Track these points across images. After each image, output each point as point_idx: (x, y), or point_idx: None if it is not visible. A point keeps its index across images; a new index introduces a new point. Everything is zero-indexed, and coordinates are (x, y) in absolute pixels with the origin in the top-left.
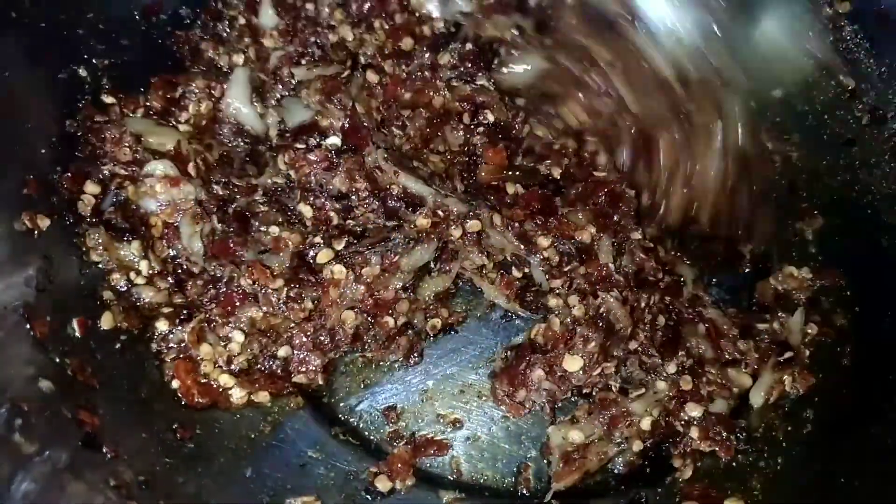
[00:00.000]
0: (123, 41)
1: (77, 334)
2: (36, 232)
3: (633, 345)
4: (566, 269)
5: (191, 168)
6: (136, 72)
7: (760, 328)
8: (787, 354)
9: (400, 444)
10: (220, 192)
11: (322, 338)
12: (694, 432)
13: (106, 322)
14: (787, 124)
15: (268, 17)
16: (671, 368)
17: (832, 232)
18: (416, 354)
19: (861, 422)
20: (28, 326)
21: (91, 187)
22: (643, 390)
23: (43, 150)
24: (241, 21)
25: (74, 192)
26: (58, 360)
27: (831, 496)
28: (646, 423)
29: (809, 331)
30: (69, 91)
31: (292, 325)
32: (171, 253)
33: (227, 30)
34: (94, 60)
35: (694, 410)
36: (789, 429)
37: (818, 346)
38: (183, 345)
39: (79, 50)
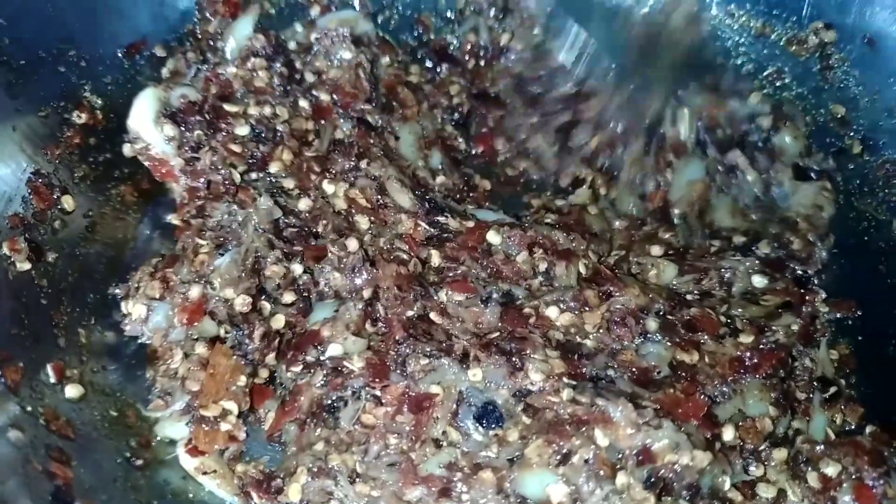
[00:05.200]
0: (106, 79)
1: (52, 381)
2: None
3: None
4: None
5: None
6: (119, 111)
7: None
8: (832, 390)
9: None
10: None
11: None
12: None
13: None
14: None
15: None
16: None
17: (830, 261)
18: None
19: None
20: None
21: None
22: None
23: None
24: None
25: None
26: (30, 408)
27: None
28: None
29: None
30: (50, 131)
31: None
32: None
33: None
34: (76, 99)
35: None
36: None
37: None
38: None
39: (60, 88)
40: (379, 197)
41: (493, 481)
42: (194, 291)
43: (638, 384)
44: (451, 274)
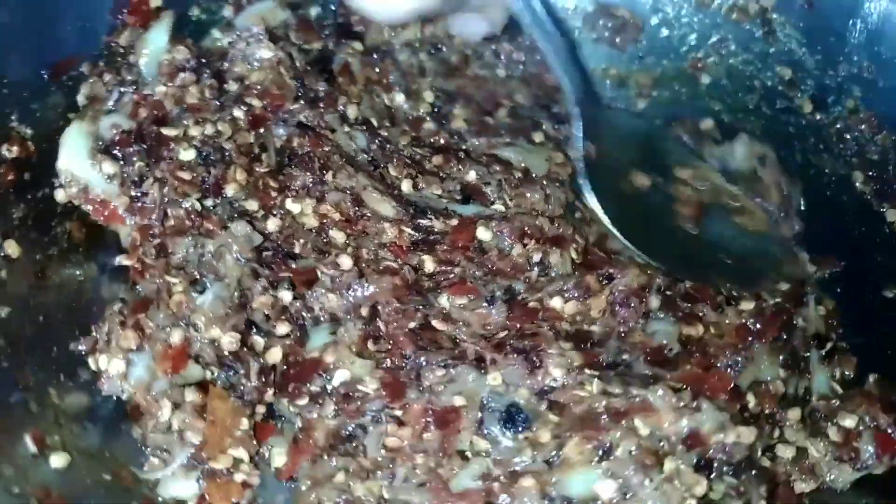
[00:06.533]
0: (33, 105)
1: (33, 452)
2: None
3: None
4: None
5: None
6: (53, 140)
7: None
8: (829, 346)
9: None
10: None
11: None
12: None
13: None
14: None
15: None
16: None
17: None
18: None
19: None
20: None
21: None
22: None
23: None
24: None
25: None
26: (17, 490)
27: None
28: None
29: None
30: None
31: None
32: None
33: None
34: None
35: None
36: None
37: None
38: None
39: None
40: (357, 208)
41: (535, 487)
42: (176, 336)
43: (655, 365)
44: (446, 277)
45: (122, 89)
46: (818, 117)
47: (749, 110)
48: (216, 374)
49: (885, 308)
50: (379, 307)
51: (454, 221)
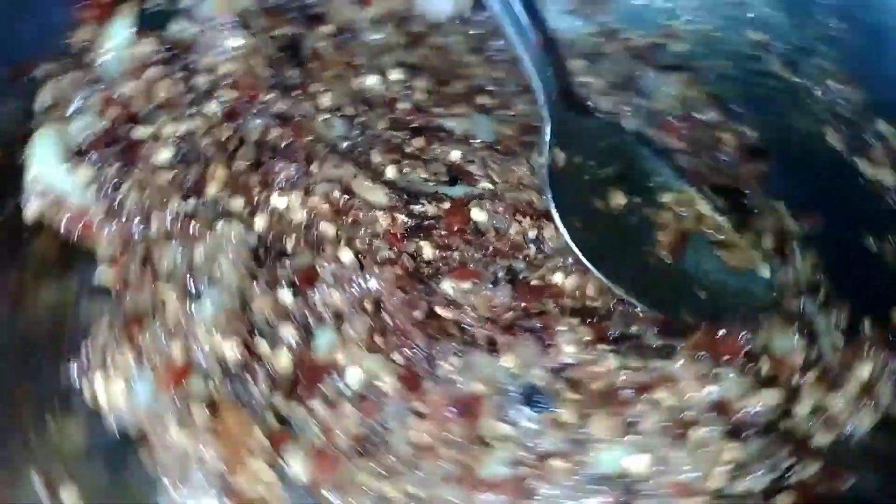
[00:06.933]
0: None
1: (44, 491)
2: None
3: None
4: None
5: None
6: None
7: None
8: (822, 293)
9: None
10: None
11: None
12: None
13: None
14: None
15: None
16: None
17: (777, 176)
18: None
19: None
20: None
21: None
22: None
23: None
24: None
25: None
26: None
27: None
28: None
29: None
30: None
31: None
32: None
33: None
34: None
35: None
36: None
37: None
38: None
39: None
40: (346, 197)
41: (565, 468)
42: (175, 348)
43: (665, 335)
44: (446, 263)
45: (89, 89)
46: (790, 78)
47: (724, 77)
48: (222, 385)
49: (865, 256)
50: (383, 298)
51: (447, 205)
